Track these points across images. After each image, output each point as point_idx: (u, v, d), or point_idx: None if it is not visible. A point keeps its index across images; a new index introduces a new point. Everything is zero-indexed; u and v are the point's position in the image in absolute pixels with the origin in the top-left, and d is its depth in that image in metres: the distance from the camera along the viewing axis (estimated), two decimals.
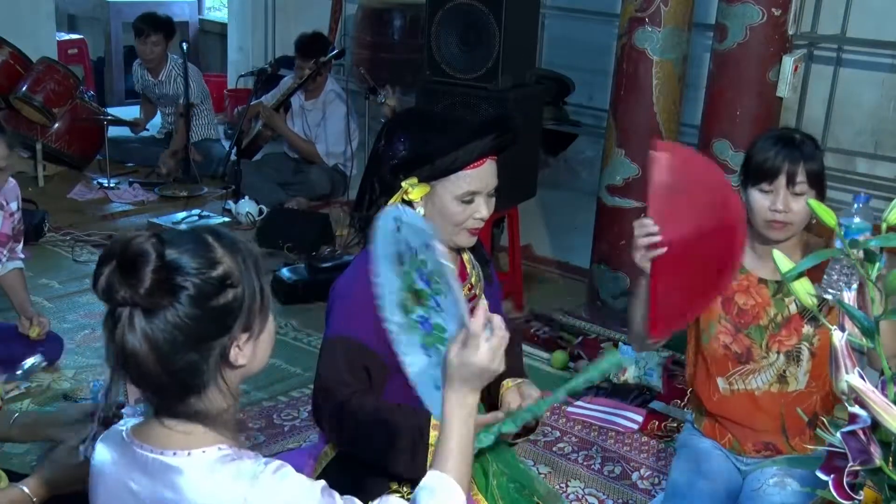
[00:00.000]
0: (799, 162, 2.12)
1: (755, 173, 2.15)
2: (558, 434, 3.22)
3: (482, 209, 1.92)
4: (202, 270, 1.25)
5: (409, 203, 1.90)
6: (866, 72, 5.03)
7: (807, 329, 2.17)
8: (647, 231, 1.97)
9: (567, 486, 2.93)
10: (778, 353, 2.18)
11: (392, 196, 1.90)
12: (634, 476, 3.00)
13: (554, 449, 3.13)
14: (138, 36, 5.79)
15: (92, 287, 1.24)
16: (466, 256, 2.07)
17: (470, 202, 1.90)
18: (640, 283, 2.07)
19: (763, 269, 2.20)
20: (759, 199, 2.15)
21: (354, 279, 1.90)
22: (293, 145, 5.53)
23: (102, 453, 1.36)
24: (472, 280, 2.05)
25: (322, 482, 1.30)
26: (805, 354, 2.18)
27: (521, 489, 2.02)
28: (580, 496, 2.88)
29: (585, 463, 3.07)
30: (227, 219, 4.81)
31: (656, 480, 2.97)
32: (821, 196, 2.17)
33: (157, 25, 5.76)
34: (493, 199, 1.96)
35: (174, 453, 1.28)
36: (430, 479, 1.32)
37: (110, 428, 1.39)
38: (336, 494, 1.29)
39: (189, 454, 1.28)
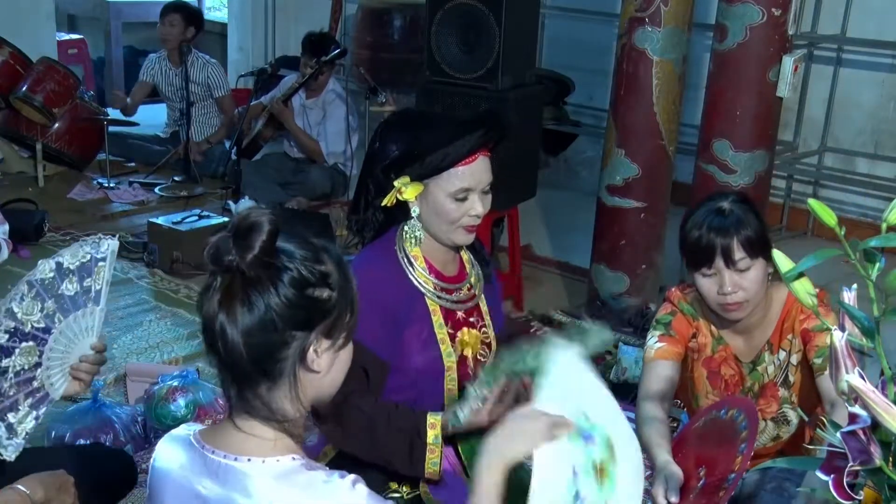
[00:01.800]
0: (732, 236, 1.94)
1: (691, 258, 2.00)
2: None
3: (477, 206, 1.91)
4: (307, 259, 1.28)
5: (404, 203, 1.90)
6: (866, 72, 5.04)
7: (783, 392, 2.14)
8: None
9: None
10: (765, 420, 2.17)
11: (385, 196, 1.90)
12: None
13: None
14: (161, 17, 5.84)
15: (205, 256, 1.26)
16: (466, 256, 2.07)
17: (464, 199, 1.90)
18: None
19: (734, 344, 2.15)
20: (705, 284, 2.00)
21: None
22: (298, 142, 5.50)
23: (168, 457, 1.36)
24: (472, 280, 2.04)
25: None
26: (791, 415, 2.16)
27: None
28: None
29: None
30: (227, 219, 4.81)
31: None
32: (767, 256, 1.96)
33: (178, 7, 5.84)
34: (489, 196, 1.95)
35: (248, 459, 1.28)
36: None
37: (171, 433, 1.40)
38: None
39: (263, 462, 1.28)
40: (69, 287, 1.93)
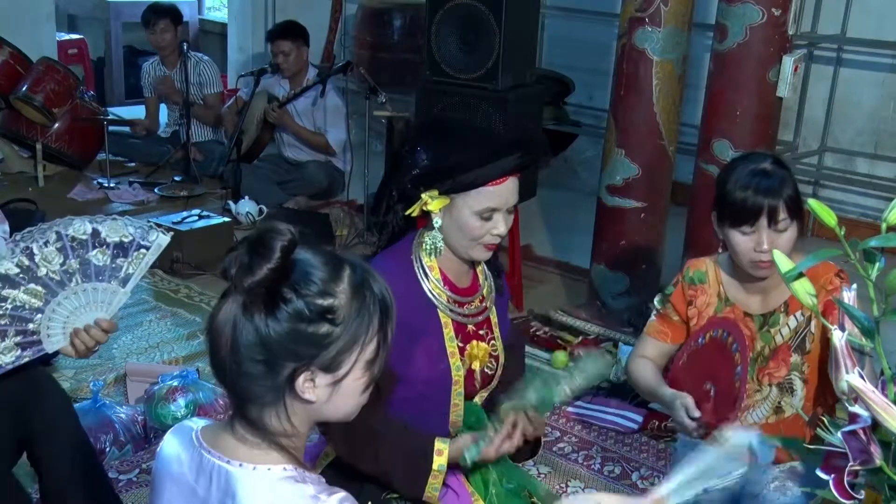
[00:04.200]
0: (778, 197, 1.99)
1: (733, 216, 2.03)
2: (558, 434, 3.22)
3: (500, 225, 1.89)
4: (309, 294, 1.23)
5: (427, 213, 1.89)
6: (866, 72, 5.04)
7: (795, 358, 2.14)
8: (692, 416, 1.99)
9: (567, 486, 2.94)
10: (770, 385, 2.16)
11: (410, 205, 1.88)
12: (634, 476, 3.00)
13: (554, 449, 3.13)
14: (147, 27, 5.86)
15: (221, 274, 1.27)
16: (480, 267, 2.05)
17: (489, 218, 1.87)
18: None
19: (749, 303, 2.16)
20: (742, 242, 2.04)
21: None
22: (304, 141, 5.48)
23: (173, 447, 1.36)
24: (484, 292, 2.03)
25: None
26: (798, 384, 2.15)
27: (519, 490, 2.02)
28: None
29: (585, 463, 3.07)
30: (227, 219, 4.81)
31: (656, 480, 2.97)
32: (801, 220, 2.05)
33: (163, 12, 5.85)
34: (512, 216, 1.94)
35: (240, 464, 1.28)
36: None
37: (181, 423, 1.40)
38: None
39: (255, 468, 1.27)
40: (98, 257, 1.94)
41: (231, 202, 5.18)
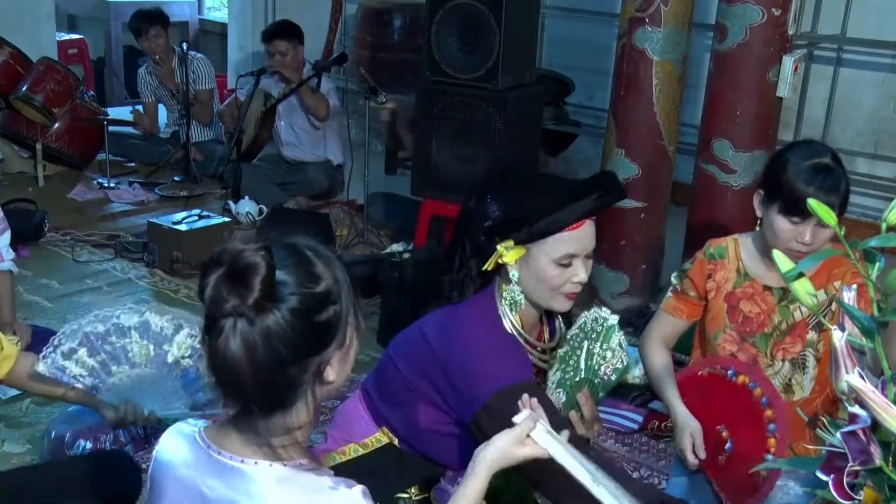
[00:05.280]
0: (835, 197, 2.02)
1: (788, 205, 2.04)
2: None
3: (581, 272, 1.83)
4: (306, 285, 1.26)
5: (503, 266, 1.83)
6: (866, 72, 5.04)
7: (811, 335, 2.16)
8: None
9: None
10: (783, 360, 2.17)
11: (485, 259, 1.82)
12: (634, 476, 3.00)
13: None
14: (139, 35, 5.83)
15: (198, 295, 1.25)
16: (556, 319, 2.01)
17: (568, 265, 1.82)
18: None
19: (769, 277, 2.18)
20: (786, 230, 2.05)
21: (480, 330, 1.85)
22: (308, 103, 5.41)
23: (175, 450, 1.36)
24: (547, 344, 2.00)
25: None
26: (811, 361, 2.16)
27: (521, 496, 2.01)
28: None
29: None
30: (227, 219, 4.81)
31: (656, 480, 2.97)
32: (841, 212, 2.08)
33: (153, 18, 5.81)
34: (591, 261, 1.88)
35: (255, 462, 1.28)
36: None
37: (175, 426, 1.40)
38: None
39: (271, 465, 1.28)
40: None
41: (231, 202, 5.18)
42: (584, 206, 1.80)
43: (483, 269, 1.83)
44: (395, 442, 1.95)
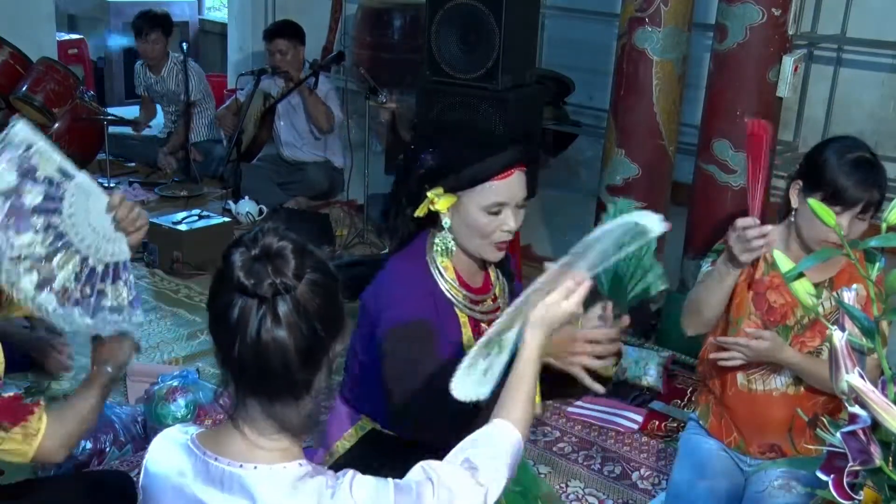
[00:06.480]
0: (875, 190, 2.06)
1: (830, 196, 2.06)
2: (558, 434, 3.22)
3: (510, 221, 1.88)
4: (322, 263, 1.29)
5: (435, 213, 1.88)
6: (866, 72, 5.04)
7: (830, 333, 2.16)
8: (760, 234, 2.03)
9: (567, 486, 2.93)
10: (800, 352, 2.18)
11: (418, 206, 1.88)
12: (634, 476, 3.00)
13: (554, 449, 3.13)
14: (138, 35, 5.83)
15: (229, 282, 1.23)
16: (492, 270, 2.05)
17: (497, 213, 1.87)
18: (725, 271, 2.12)
19: None
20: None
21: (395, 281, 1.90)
22: (312, 109, 5.39)
23: (168, 459, 1.33)
24: (496, 290, 2.03)
25: (392, 481, 1.30)
26: (824, 354, 2.17)
27: (527, 492, 2.02)
28: (580, 496, 2.88)
29: (585, 463, 3.07)
30: (227, 219, 4.81)
31: (656, 480, 2.97)
32: (878, 208, 2.11)
33: (156, 23, 5.81)
34: (523, 212, 1.93)
35: (255, 467, 1.27)
36: (496, 427, 1.41)
37: (164, 433, 1.37)
38: (406, 484, 1.30)
39: (271, 469, 1.27)
40: (29, 198, 1.74)
41: (231, 202, 5.18)
42: (510, 155, 1.86)
43: (414, 215, 1.90)
44: (378, 427, 1.98)
